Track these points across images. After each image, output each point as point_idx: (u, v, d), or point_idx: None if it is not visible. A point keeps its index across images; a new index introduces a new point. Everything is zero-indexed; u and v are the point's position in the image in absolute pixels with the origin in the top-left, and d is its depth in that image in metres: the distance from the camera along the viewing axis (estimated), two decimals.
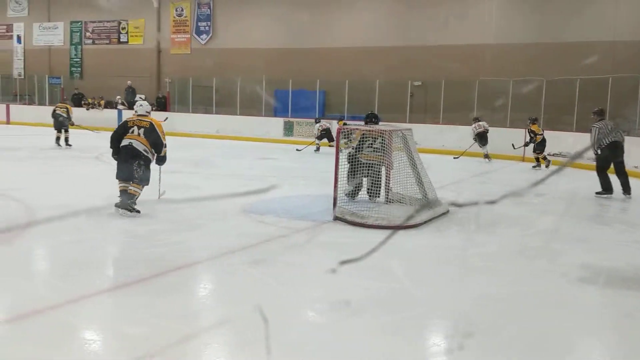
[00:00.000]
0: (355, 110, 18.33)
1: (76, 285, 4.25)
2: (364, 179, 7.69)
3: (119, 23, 24.39)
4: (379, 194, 7.53)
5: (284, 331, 3.59)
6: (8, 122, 23.58)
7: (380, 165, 7.58)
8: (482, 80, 16.87)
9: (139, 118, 6.90)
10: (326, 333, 3.62)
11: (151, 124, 6.84)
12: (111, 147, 6.90)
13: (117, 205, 6.63)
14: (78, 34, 25.42)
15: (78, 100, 23.43)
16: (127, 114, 21.17)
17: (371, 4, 19.74)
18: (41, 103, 24.78)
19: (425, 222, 6.59)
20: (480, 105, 16.40)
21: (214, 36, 22.41)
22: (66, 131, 14.36)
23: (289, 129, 19.25)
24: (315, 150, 15.32)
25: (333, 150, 7.74)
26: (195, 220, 6.61)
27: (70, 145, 14.25)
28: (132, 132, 6.76)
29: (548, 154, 13.21)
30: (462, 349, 3.43)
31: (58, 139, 14.28)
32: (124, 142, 6.74)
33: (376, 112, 17.86)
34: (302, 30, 20.59)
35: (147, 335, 3.42)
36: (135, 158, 6.68)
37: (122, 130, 6.84)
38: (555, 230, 6.87)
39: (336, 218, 6.62)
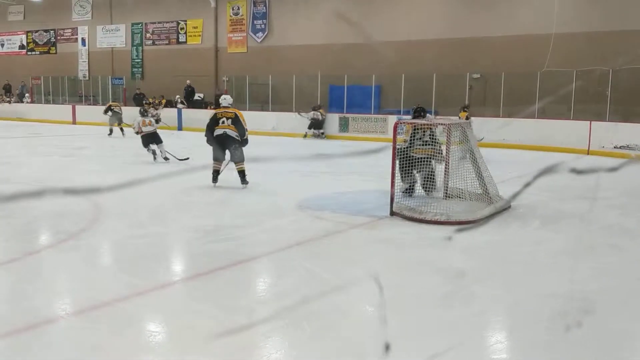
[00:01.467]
0: (412, 104, 18.09)
1: (142, 277, 4.37)
2: (417, 175, 7.60)
3: (178, 23, 24.95)
4: (434, 187, 7.41)
5: (338, 327, 3.57)
6: (74, 122, 24.58)
7: (431, 158, 7.48)
8: (544, 72, 16.32)
9: (225, 110, 8.31)
10: (385, 329, 3.58)
11: (235, 114, 8.30)
12: (206, 136, 8.39)
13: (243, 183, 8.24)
14: (139, 35, 26.18)
15: (139, 100, 24.16)
16: (186, 113, 21.81)
17: None
18: (105, 103, 25.67)
19: (486, 217, 6.43)
20: (542, 97, 15.87)
21: (269, 34, 22.61)
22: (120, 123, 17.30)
23: (344, 125, 19.19)
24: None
25: (382, 145, 7.68)
26: (254, 216, 6.70)
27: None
28: (223, 122, 8.19)
29: (615, 147, 12.67)
30: (523, 349, 3.33)
31: (119, 130, 17.13)
32: (218, 131, 8.18)
33: (433, 106, 17.74)
34: (357, 25, 20.48)
35: (209, 328, 3.48)
36: (230, 143, 8.16)
37: (213, 122, 8.24)
38: (621, 226, 6.57)
39: (393, 213, 6.56)
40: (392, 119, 15.28)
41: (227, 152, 8.39)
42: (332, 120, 19.32)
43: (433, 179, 7.42)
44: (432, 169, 7.47)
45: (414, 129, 7.64)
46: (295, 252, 5.22)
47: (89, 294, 4.02)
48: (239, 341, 3.33)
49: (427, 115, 9.09)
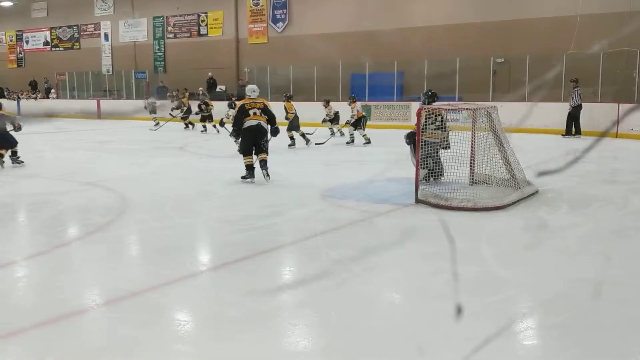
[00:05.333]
0: (436, 90, 17.87)
1: (169, 268, 4.41)
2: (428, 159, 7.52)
3: (199, 16, 25.02)
4: (442, 173, 7.34)
5: (365, 315, 3.56)
6: (99, 116, 24.89)
7: (439, 144, 7.35)
8: (569, 54, 15.99)
9: (253, 100, 8.10)
10: (410, 317, 3.56)
11: (264, 103, 8.19)
12: (234, 127, 8.23)
13: (244, 177, 7.97)
14: (160, 28, 26.33)
15: (163, 93, 24.34)
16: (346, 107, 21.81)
17: None
18: (129, 97, 25.93)
19: (514, 203, 6.34)
20: (568, 81, 15.57)
21: (289, 24, 22.55)
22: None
23: (366, 113, 19.08)
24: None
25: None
26: (277, 206, 6.72)
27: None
28: (254, 113, 7.96)
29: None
30: (553, 334, 3.27)
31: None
32: (251, 122, 7.91)
33: (457, 92, 17.53)
34: (378, 11, 20.30)
35: (235, 316, 3.49)
36: (263, 135, 7.98)
37: (243, 113, 7.95)
38: None
39: (419, 201, 6.50)
40: (415, 106, 15.13)
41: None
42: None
43: (440, 164, 7.37)
44: (438, 154, 7.41)
45: (428, 113, 7.56)
46: (320, 241, 5.21)
47: (117, 284, 4.06)
48: (266, 329, 3.33)
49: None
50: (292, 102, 13.52)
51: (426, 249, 4.80)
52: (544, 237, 5.30)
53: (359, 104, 13.40)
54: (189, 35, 25.48)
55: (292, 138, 12.92)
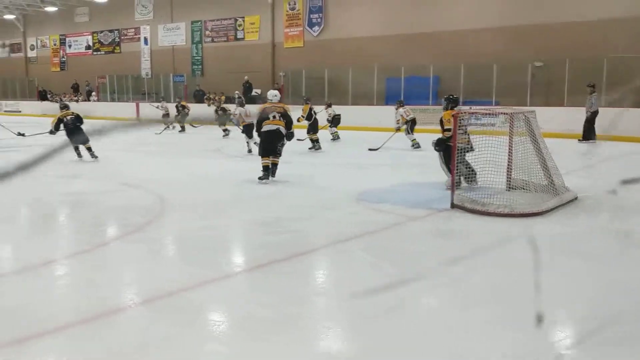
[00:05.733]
0: (472, 95, 17.71)
1: (205, 268, 4.47)
2: (460, 165, 7.47)
3: (236, 20, 25.32)
4: (475, 174, 7.31)
5: (401, 319, 3.54)
6: (138, 118, 25.36)
7: (466, 148, 7.32)
8: (610, 58, 15.62)
9: (274, 105, 8.48)
10: (444, 324, 3.52)
11: (284, 108, 8.52)
12: (256, 130, 8.81)
13: (260, 178, 8.25)
14: (198, 33, 26.74)
15: (200, 97, 24.71)
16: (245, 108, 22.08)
17: None
18: (167, 100, 26.35)
19: (552, 209, 6.23)
20: (609, 86, 15.21)
21: (325, 27, 22.62)
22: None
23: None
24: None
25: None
26: (312, 209, 6.75)
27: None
28: (274, 117, 8.27)
29: None
30: (589, 343, 3.20)
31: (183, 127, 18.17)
32: (269, 127, 8.25)
33: (494, 96, 17.31)
34: (414, 15, 20.22)
35: (269, 318, 3.52)
36: (279, 139, 8.29)
37: (264, 117, 8.30)
38: None
39: (454, 206, 6.44)
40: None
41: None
42: (390, 113, 19.14)
43: (471, 167, 7.32)
44: (465, 158, 7.37)
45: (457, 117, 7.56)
46: (355, 245, 5.21)
47: (155, 284, 4.14)
48: (299, 332, 3.36)
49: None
50: (311, 105, 13.75)
51: (463, 254, 4.76)
52: (583, 245, 5.19)
53: (401, 109, 13.27)
54: (225, 39, 25.80)
55: (313, 141, 12.97)
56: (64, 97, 29.82)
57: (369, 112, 19.62)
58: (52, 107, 28.65)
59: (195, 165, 10.90)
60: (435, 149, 7.90)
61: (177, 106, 19.29)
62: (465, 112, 7.51)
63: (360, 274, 4.41)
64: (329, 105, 14.89)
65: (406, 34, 20.34)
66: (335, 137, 15.08)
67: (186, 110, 18.93)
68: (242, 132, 12.15)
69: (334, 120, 15.26)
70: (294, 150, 12.79)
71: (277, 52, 24.25)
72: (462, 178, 7.43)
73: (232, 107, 17.50)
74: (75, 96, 29.88)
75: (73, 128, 11.00)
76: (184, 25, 27.25)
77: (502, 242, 5.08)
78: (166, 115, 19.53)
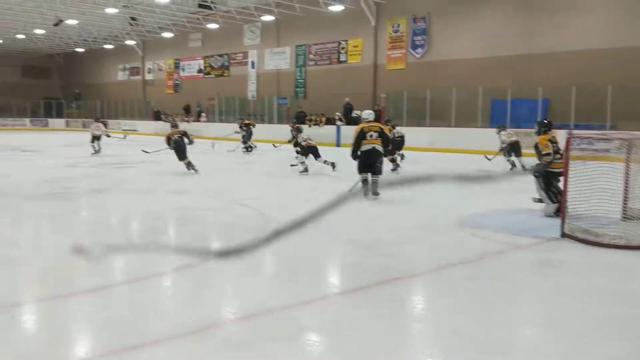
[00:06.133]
0: (583, 118, 16.78)
1: (305, 287, 4.50)
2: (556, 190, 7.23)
3: (339, 43, 25.74)
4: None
5: (509, 351, 3.36)
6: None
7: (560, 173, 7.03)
8: None
9: (370, 124, 8.76)
10: (557, 356, 3.30)
11: (380, 127, 8.86)
12: (353, 150, 8.76)
13: (366, 193, 8.57)
14: (302, 56, 27.44)
15: (302, 118, 25.26)
16: (345, 130, 22.34)
17: (598, 1, 17.98)
18: (270, 122, 27.19)
19: None
20: None
21: (429, 49, 22.44)
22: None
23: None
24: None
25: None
26: (411, 232, 6.63)
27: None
28: (371, 136, 8.62)
29: None
30: None
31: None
32: (367, 146, 8.61)
33: (608, 120, 16.28)
34: (521, 36, 19.58)
35: (367, 342, 3.47)
36: (378, 157, 8.64)
37: (361, 137, 8.61)
38: None
39: (564, 235, 6.08)
40: (561, 134, 14.27)
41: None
42: (494, 135, 18.56)
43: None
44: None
45: (552, 143, 7.35)
46: (455, 271, 5.04)
47: (255, 301, 4.22)
48: (395, 357, 3.27)
49: None
50: (394, 126, 13.84)
51: (574, 288, 4.46)
52: None
53: (504, 132, 13.11)
54: (329, 62, 26.27)
55: (393, 161, 12.83)
56: (176, 117, 31.60)
57: (472, 134, 19.14)
58: (164, 127, 30.46)
59: (300, 184, 11.08)
60: (535, 175, 7.56)
61: (240, 125, 19.58)
62: (576, 136, 7.10)
63: (461, 303, 4.25)
64: (502, 129, 13.77)
65: (513, 55, 19.73)
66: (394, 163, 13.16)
67: (251, 128, 19.18)
68: (303, 153, 12.42)
69: (395, 143, 14.82)
70: (391, 172, 12.70)
71: (378, 74, 24.34)
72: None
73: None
74: (186, 117, 31.55)
75: (181, 144, 12.20)
76: (289, 50, 28.09)
77: (620, 276, 4.71)
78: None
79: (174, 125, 13.26)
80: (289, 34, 27.82)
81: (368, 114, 9.16)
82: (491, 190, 10.20)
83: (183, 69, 34.67)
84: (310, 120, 24.45)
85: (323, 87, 26.08)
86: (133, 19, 30.32)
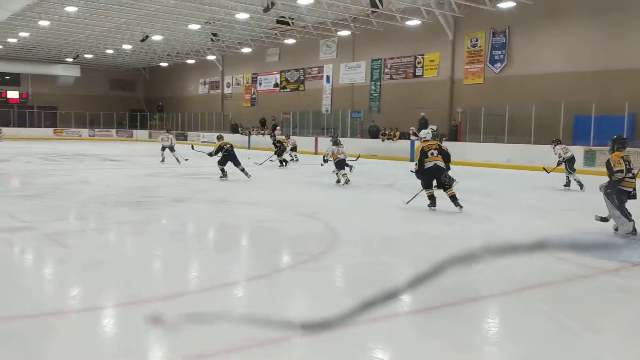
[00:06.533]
0: None
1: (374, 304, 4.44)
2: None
3: (415, 58, 25.56)
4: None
5: None
6: (316, 152, 26.60)
7: (631, 193, 7.01)
8: None
9: (429, 143, 9.22)
10: None
11: (438, 144, 9.30)
12: (418, 166, 9.18)
13: (429, 206, 9.14)
14: (378, 70, 27.44)
15: (375, 132, 25.22)
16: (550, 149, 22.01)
17: None
18: (343, 136, 27.31)
19: None
20: None
21: (508, 64, 21.87)
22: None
23: (590, 159, 17.51)
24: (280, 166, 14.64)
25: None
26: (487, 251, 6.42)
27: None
28: (432, 154, 9.04)
29: None
30: None
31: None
32: (430, 164, 9.02)
33: None
34: (607, 50, 18.73)
35: None
36: (440, 173, 9.01)
37: (424, 155, 9.06)
38: None
39: None
40: None
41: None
42: (577, 152, 17.80)
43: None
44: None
45: (625, 161, 7.13)
46: (533, 294, 4.84)
47: (323, 314, 4.20)
48: None
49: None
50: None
51: None
52: None
53: (559, 147, 12.88)
54: (404, 76, 26.12)
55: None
56: (252, 130, 32.34)
57: (552, 151, 18.39)
58: (241, 139, 31.31)
59: (373, 199, 11.03)
60: (607, 192, 7.25)
61: (274, 142, 19.30)
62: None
63: (538, 328, 4.06)
64: (557, 144, 13.45)
65: (598, 71, 18.90)
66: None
67: (284, 145, 18.96)
68: (336, 165, 12.93)
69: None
70: (469, 189, 12.43)
71: (455, 89, 23.95)
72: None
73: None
74: (261, 130, 32.24)
75: (232, 153, 13.69)
76: (364, 64, 28.16)
77: None
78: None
79: (221, 137, 15.08)
80: (364, 48, 27.91)
81: (426, 132, 9.53)
82: (574, 210, 9.77)
83: (260, 83, 35.48)
84: (383, 135, 24.36)
85: (397, 101, 25.95)
86: (214, 34, 31.39)
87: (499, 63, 22.14)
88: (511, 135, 20.51)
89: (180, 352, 3.48)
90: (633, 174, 7.08)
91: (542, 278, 5.28)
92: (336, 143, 13.61)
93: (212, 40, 32.56)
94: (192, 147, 16.68)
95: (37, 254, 6.13)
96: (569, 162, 12.52)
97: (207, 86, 40.95)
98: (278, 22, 27.44)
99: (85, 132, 42.49)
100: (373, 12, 24.04)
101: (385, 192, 12.30)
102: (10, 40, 33.39)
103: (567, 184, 12.59)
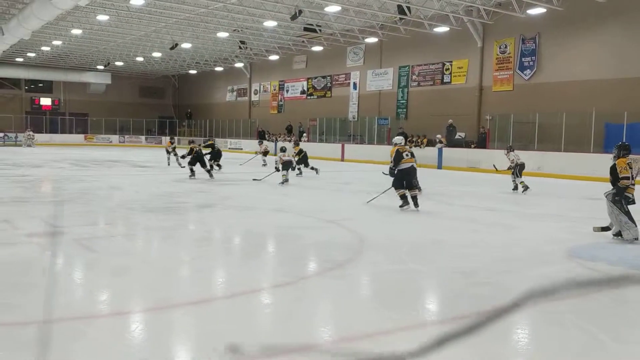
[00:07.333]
0: None
1: (400, 313, 4.40)
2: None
3: (443, 64, 25.41)
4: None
5: None
6: (342, 159, 26.58)
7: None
8: None
9: (403, 147, 10.06)
10: None
11: (410, 149, 10.47)
12: (393, 168, 9.90)
13: (401, 206, 9.88)
14: (405, 77, 27.35)
15: (406, 137, 25.07)
16: (447, 152, 21.91)
17: None
18: (370, 142, 27.26)
19: None
20: None
21: (538, 71, 21.58)
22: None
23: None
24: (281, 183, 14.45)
25: None
26: (516, 261, 6.32)
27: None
28: (407, 155, 9.96)
29: None
30: None
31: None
32: (406, 165, 9.87)
33: None
34: (638, 56, 18.36)
35: None
36: (414, 174, 9.98)
37: (400, 157, 9.86)
38: None
39: None
40: None
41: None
42: (609, 161, 17.43)
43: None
44: None
45: (630, 165, 7.20)
46: (563, 306, 4.72)
47: (349, 322, 4.17)
48: None
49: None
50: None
51: None
52: None
53: (513, 153, 13.58)
54: (432, 83, 25.99)
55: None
56: (279, 137, 32.47)
57: (584, 159, 18.10)
58: (269, 146, 31.46)
59: (395, 205, 10.95)
60: (615, 199, 7.22)
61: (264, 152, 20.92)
62: None
63: (569, 340, 3.96)
64: (509, 150, 14.33)
65: (630, 77, 18.53)
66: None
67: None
68: (282, 168, 14.46)
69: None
70: (496, 197, 12.28)
71: (484, 96, 23.73)
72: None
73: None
74: (288, 136, 32.36)
75: (201, 155, 15.58)
76: (391, 71, 28.10)
77: None
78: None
79: (192, 142, 16.95)
80: (392, 55, 27.85)
81: (400, 140, 10.34)
82: (605, 219, 9.55)
83: (287, 90, 35.66)
84: (411, 142, 24.22)
85: (425, 108, 25.80)
86: (242, 42, 31.68)
87: (528, 70, 21.87)
88: (541, 143, 20.20)
89: (207, 357, 3.48)
90: (633, 182, 7.23)
91: (574, 289, 5.14)
92: (282, 150, 15.17)
93: (240, 47, 32.85)
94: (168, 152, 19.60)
95: (67, 259, 6.22)
96: (520, 168, 13.33)
97: (235, 93, 41.32)
98: (305, 29, 27.57)
99: (115, 138, 43.24)
100: (401, 19, 23.98)
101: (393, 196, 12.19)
102: (43, 48, 34.19)
103: (515, 188, 13.37)
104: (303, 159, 16.86)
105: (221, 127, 39.94)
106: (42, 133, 40.20)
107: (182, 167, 18.17)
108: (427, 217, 9.68)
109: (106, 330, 4.01)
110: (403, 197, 9.80)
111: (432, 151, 22.64)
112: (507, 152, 13.80)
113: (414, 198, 9.81)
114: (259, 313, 4.53)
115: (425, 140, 23.83)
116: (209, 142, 19.13)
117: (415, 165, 10.03)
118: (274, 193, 12.76)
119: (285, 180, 14.29)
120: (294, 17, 22.73)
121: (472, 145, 22.20)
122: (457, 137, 23.31)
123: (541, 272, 5.93)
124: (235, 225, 8.74)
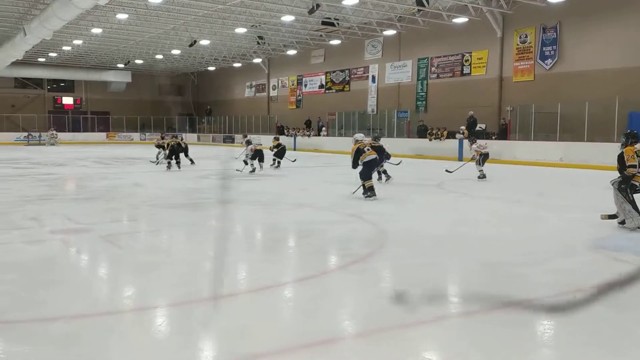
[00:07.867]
0: None
1: (422, 306, 4.38)
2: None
3: (463, 56, 25.18)
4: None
5: None
6: None
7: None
8: None
9: (363, 143, 10.81)
10: None
11: (370, 143, 11.56)
12: (354, 162, 10.51)
13: (369, 196, 10.28)
14: (424, 69, 27.16)
15: (423, 132, 24.92)
16: (466, 144, 21.71)
17: None
18: (389, 135, 27.13)
19: None
20: None
21: (559, 60, 21.28)
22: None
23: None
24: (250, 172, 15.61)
25: None
26: (540, 253, 6.26)
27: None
28: (368, 150, 10.63)
29: None
30: None
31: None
32: (370, 157, 10.57)
33: None
34: None
35: None
36: (377, 165, 11.30)
37: (361, 152, 10.51)
38: None
39: None
40: None
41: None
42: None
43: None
44: None
45: (638, 154, 7.15)
46: (592, 299, 4.66)
47: (372, 316, 4.18)
48: None
49: None
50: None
51: None
52: None
53: (475, 145, 14.31)
54: (451, 75, 25.78)
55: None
56: (298, 132, 32.49)
57: (607, 149, 17.78)
58: (286, 141, 31.48)
59: (420, 200, 10.91)
60: (621, 187, 7.19)
61: (270, 148, 19.29)
62: None
63: (598, 335, 3.91)
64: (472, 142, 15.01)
65: None
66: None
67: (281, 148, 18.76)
68: (252, 157, 15.74)
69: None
70: (520, 188, 12.17)
71: (504, 87, 23.48)
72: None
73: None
74: (307, 131, 32.38)
75: (176, 149, 17.31)
76: (410, 63, 27.93)
77: None
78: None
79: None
80: (410, 48, 27.67)
81: (361, 137, 11.18)
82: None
83: (305, 85, 35.65)
84: (431, 134, 24.06)
85: (445, 100, 25.61)
86: (260, 37, 31.72)
87: (549, 59, 21.58)
88: (563, 133, 19.94)
89: (231, 351, 3.52)
90: None
91: (599, 281, 5.08)
92: (249, 142, 16.24)
93: (258, 43, 32.91)
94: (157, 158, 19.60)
95: (93, 255, 6.32)
96: (483, 158, 14.02)
97: (254, 89, 41.42)
98: (323, 23, 27.50)
99: (136, 136, 43.68)
100: (419, 10, 23.80)
101: (432, 192, 12.14)
102: (65, 48, 34.61)
103: (482, 177, 13.87)
104: (280, 152, 17.86)
105: (240, 123, 40.08)
106: (65, 132, 40.78)
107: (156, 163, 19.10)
108: (449, 210, 9.63)
109: (133, 326, 4.07)
110: (371, 189, 10.34)
111: (453, 143, 22.47)
112: (471, 144, 14.56)
113: (371, 187, 10.47)
114: (279, 308, 4.55)
115: (445, 133, 23.66)
116: (276, 142, 18.48)
117: (376, 157, 10.79)
118: (294, 188, 12.80)
119: (254, 170, 15.52)
120: (311, 11, 22.69)
121: (493, 137, 22.00)
122: (478, 128, 23.11)
123: (564, 263, 5.87)
124: (257, 220, 8.78)
